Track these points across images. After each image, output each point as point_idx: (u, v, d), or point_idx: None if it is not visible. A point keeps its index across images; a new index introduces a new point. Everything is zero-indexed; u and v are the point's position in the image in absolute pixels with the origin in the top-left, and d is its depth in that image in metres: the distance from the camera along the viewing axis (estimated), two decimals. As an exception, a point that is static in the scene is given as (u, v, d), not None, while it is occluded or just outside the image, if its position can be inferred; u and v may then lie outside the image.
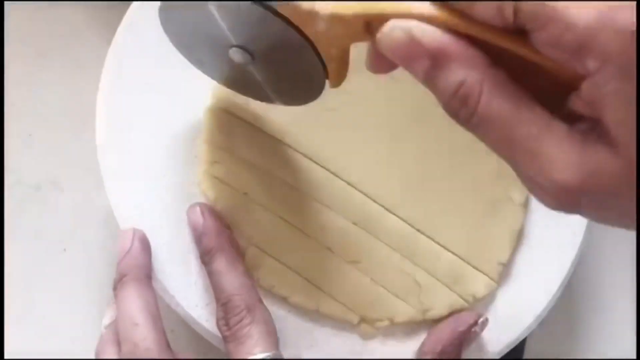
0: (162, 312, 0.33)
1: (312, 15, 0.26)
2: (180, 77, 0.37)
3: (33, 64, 0.46)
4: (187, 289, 0.35)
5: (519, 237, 0.38)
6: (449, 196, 0.38)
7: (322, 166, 0.37)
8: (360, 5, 0.25)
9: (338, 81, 0.29)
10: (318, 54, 0.27)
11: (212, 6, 0.27)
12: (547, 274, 0.38)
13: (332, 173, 0.37)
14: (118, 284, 0.33)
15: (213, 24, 0.28)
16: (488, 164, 0.38)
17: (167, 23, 0.31)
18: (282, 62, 0.30)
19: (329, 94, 0.32)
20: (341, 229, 0.37)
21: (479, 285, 0.37)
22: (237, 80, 0.34)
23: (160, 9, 0.29)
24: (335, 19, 0.25)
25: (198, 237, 0.34)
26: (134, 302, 0.32)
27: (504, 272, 0.38)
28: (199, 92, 0.38)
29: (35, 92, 0.46)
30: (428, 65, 0.22)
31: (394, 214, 0.37)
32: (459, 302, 0.37)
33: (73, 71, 0.46)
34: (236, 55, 0.30)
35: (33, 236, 0.43)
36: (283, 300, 0.36)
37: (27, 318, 0.42)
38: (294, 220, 0.37)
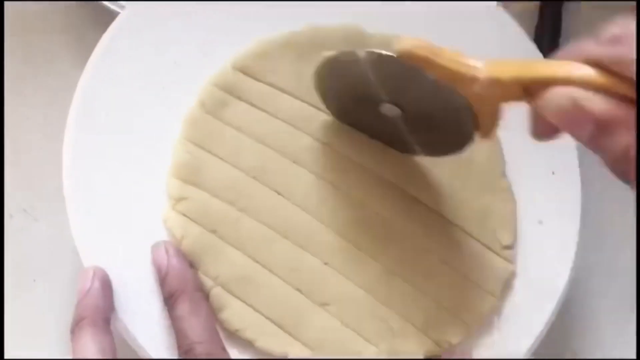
0: (123, 354, 0.32)
1: (472, 79, 0.27)
2: (152, 111, 0.37)
3: (11, 86, 0.45)
4: (150, 330, 0.34)
5: (505, 287, 0.37)
6: (431, 242, 0.36)
7: (294, 204, 0.36)
8: (518, 70, 0.27)
9: (489, 133, 0.30)
10: (471, 111, 0.29)
11: (367, 65, 0.30)
12: (531, 318, 0.37)
13: (304, 211, 0.36)
14: (75, 328, 0.31)
15: (366, 78, 0.31)
16: (471, 206, 0.37)
17: (324, 78, 0.34)
18: (431, 116, 0.32)
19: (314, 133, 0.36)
20: (312, 269, 0.35)
21: (456, 331, 0.36)
22: (382, 132, 0.36)
23: (322, 66, 0.33)
24: (494, 83, 0.27)
25: (162, 278, 0.33)
26: (89, 347, 0.30)
27: (484, 321, 0.36)
28: (172, 123, 0.37)
29: (12, 115, 0.45)
30: (593, 130, 0.24)
31: (368, 255, 0.36)
32: (435, 349, 0.35)
33: (50, 97, 0.45)
34: (387, 109, 0.33)
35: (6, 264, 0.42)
36: (249, 344, 0.34)
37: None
38: (263, 260, 0.35)
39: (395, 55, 0.29)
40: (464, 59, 0.28)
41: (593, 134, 0.24)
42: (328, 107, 0.37)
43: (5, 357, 0.39)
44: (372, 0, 0.39)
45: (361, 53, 0.31)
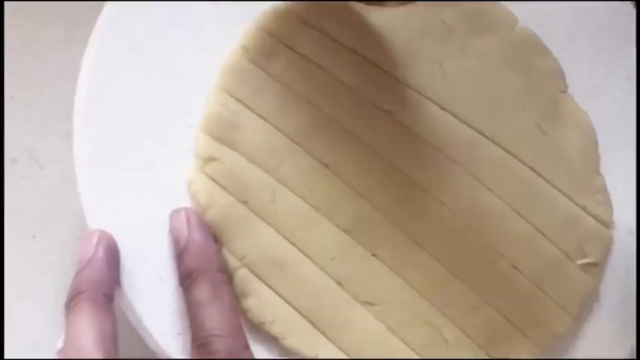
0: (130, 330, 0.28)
1: None
2: (184, 52, 0.32)
3: (27, 16, 0.40)
4: (158, 312, 0.29)
5: (584, 305, 0.31)
6: (500, 241, 0.31)
7: (343, 181, 0.30)
8: None
9: None
10: None
11: None
12: (613, 347, 0.31)
13: (354, 190, 0.30)
14: (71, 302, 0.26)
15: None
16: (558, 211, 0.31)
17: None
18: None
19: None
20: (357, 260, 0.30)
21: (520, 352, 0.30)
22: None
23: None
24: None
25: (179, 253, 0.28)
26: (85, 330, 0.25)
27: (557, 343, 0.30)
28: (206, 69, 0.31)
29: (25, 49, 0.40)
30: None
31: (426, 251, 0.30)
32: (492, 369, 0.30)
33: (69, 31, 0.40)
34: None
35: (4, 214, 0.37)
36: (274, 341, 0.29)
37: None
38: (300, 242, 0.30)
39: None
40: None
41: None
42: None
43: (6, 357, 0.35)
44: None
45: None
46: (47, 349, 0.35)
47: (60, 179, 0.38)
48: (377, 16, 0.32)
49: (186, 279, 0.27)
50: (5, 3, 0.40)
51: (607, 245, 0.32)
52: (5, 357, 0.35)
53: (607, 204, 0.32)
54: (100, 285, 0.27)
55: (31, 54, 0.40)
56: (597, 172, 0.32)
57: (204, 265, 0.27)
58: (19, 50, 0.40)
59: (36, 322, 0.36)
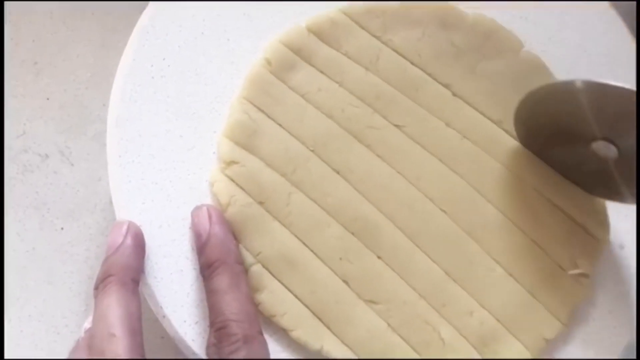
0: (149, 317, 0.30)
1: None
2: (212, 63, 0.34)
3: (63, 24, 0.43)
4: (177, 301, 0.31)
5: (574, 313, 0.33)
6: (498, 250, 0.33)
7: (353, 186, 0.32)
8: None
9: None
10: None
11: (582, 93, 0.27)
12: (600, 354, 0.33)
13: (363, 195, 0.32)
14: (101, 284, 0.28)
15: (578, 113, 0.28)
16: (555, 225, 0.33)
17: (525, 115, 0.31)
18: None
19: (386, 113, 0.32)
20: (363, 261, 0.32)
21: (511, 355, 0.32)
22: (589, 177, 0.32)
23: (524, 101, 0.31)
24: None
25: (201, 246, 0.30)
26: (114, 309, 0.27)
27: (548, 347, 0.32)
28: (231, 79, 0.34)
29: (61, 54, 0.42)
30: None
31: (428, 256, 0.32)
32: (486, 369, 0.32)
33: (102, 37, 0.43)
34: (601, 149, 0.29)
35: (33, 207, 0.40)
36: (283, 332, 0.31)
37: (10, 295, 0.38)
38: (311, 242, 0.32)
39: (625, 88, 0.26)
40: None
41: None
42: (519, 132, 0.33)
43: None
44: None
45: (579, 83, 0.28)
46: (69, 332, 0.38)
47: (87, 176, 0.41)
48: (393, 38, 0.34)
49: (207, 269, 0.29)
50: (45, 11, 0.42)
51: (598, 258, 0.33)
52: (32, 344, 0.37)
53: (606, 225, 0.34)
54: (128, 270, 0.29)
55: (67, 59, 0.42)
56: None
57: (224, 257, 0.29)
58: (56, 54, 0.42)
59: (61, 307, 0.38)
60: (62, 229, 0.40)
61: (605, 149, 0.30)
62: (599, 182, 0.32)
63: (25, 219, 0.39)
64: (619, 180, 0.31)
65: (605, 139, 0.29)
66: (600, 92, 0.28)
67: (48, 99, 0.42)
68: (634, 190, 0.31)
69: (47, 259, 0.39)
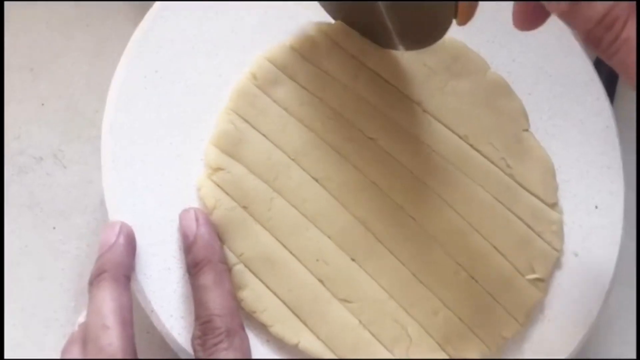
0: (137, 312, 0.32)
1: None
2: (201, 76, 0.36)
3: (59, 32, 0.45)
4: (164, 297, 0.33)
5: (530, 314, 0.35)
6: (461, 255, 0.35)
7: (330, 194, 0.35)
8: None
9: (467, 18, 0.29)
10: None
11: None
12: (556, 350, 0.35)
13: (338, 202, 0.35)
14: (95, 280, 0.31)
15: None
16: (514, 233, 0.36)
17: None
18: None
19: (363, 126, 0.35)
20: (338, 262, 0.34)
21: (473, 351, 0.34)
22: (360, 19, 0.35)
23: None
24: None
25: (188, 246, 0.32)
26: (107, 303, 0.30)
27: (506, 345, 0.35)
28: (219, 91, 0.36)
29: (56, 61, 0.44)
30: None
31: (397, 259, 0.35)
32: (449, 364, 0.34)
33: (97, 46, 0.45)
34: None
35: (26, 207, 0.42)
36: (263, 327, 0.34)
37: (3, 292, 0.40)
38: (290, 244, 0.34)
39: None
40: None
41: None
42: (325, 7, 0.36)
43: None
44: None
45: None
46: (59, 326, 0.40)
47: (80, 178, 0.43)
48: (370, 59, 0.37)
49: (193, 268, 0.32)
50: (42, 20, 0.44)
51: (553, 264, 0.36)
52: (24, 336, 0.39)
53: (560, 234, 0.36)
54: (121, 267, 0.31)
55: (62, 66, 0.44)
56: (556, 205, 0.37)
57: (209, 256, 0.32)
58: (52, 62, 0.44)
59: (52, 302, 0.40)
60: (54, 228, 0.42)
61: None
62: (383, 32, 0.35)
63: (19, 217, 0.41)
64: (388, 24, 0.34)
65: None
66: None
67: (43, 104, 0.43)
68: (399, 32, 0.34)
69: (39, 255, 0.41)
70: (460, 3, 0.28)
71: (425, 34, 0.33)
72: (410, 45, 0.36)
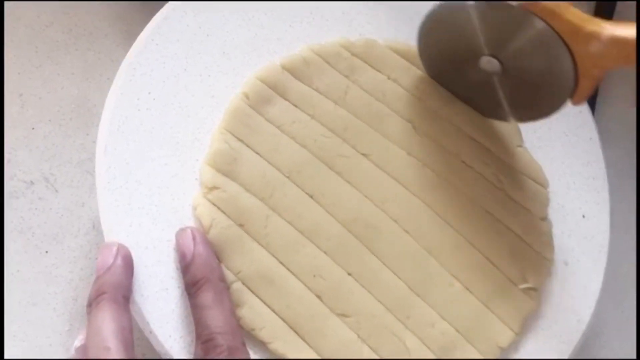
0: (134, 334, 0.31)
1: (593, 35, 0.26)
2: (194, 97, 0.36)
3: (47, 57, 0.45)
4: (163, 317, 0.33)
5: (525, 323, 0.36)
6: (456, 267, 0.36)
7: (325, 209, 0.36)
8: None
9: (582, 100, 0.30)
10: (576, 71, 0.28)
11: (472, 9, 0.30)
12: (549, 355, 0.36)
13: (334, 217, 0.35)
14: (94, 302, 0.31)
15: (470, 31, 0.31)
16: (506, 244, 0.36)
17: (427, 32, 0.34)
18: (530, 72, 0.31)
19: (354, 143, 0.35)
20: (335, 278, 0.35)
21: (470, 361, 0.35)
22: (475, 94, 0.36)
23: (427, 19, 0.33)
24: (615, 42, 0.25)
25: (186, 265, 0.32)
26: (108, 324, 0.29)
27: (502, 355, 0.35)
28: (212, 112, 0.36)
29: (45, 86, 0.44)
30: None
31: (393, 272, 0.35)
32: (447, 375, 0.35)
33: (85, 71, 0.45)
34: (486, 63, 0.32)
35: (18, 232, 0.41)
36: (262, 344, 0.34)
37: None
38: (287, 261, 0.35)
39: (509, 3, 0.28)
40: (587, 16, 0.27)
41: None
42: (425, 63, 0.37)
43: (6, 356, 0.38)
44: None
45: (469, 2, 0.30)
46: (53, 352, 0.39)
47: (71, 201, 0.42)
48: (359, 78, 0.38)
49: (192, 287, 0.32)
50: (31, 46, 0.44)
51: (545, 274, 0.37)
52: (7, 357, 0.38)
53: (550, 245, 0.37)
54: (120, 288, 0.31)
55: (52, 91, 0.44)
56: (546, 217, 0.38)
57: (208, 274, 0.32)
58: (41, 87, 0.44)
59: (45, 327, 0.39)
60: (46, 252, 0.41)
61: (490, 65, 0.33)
62: (489, 102, 0.36)
63: (9, 242, 0.41)
64: (501, 96, 0.34)
65: (492, 55, 0.32)
66: (487, 7, 0.30)
67: (33, 128, 0.43)
68: (513, 103, 0.35)
69: (31, 281, 0.40)
70: (580, 86, 0.29)
71: (539, 110, 0.34)
72: (521, 118, 0.36)
